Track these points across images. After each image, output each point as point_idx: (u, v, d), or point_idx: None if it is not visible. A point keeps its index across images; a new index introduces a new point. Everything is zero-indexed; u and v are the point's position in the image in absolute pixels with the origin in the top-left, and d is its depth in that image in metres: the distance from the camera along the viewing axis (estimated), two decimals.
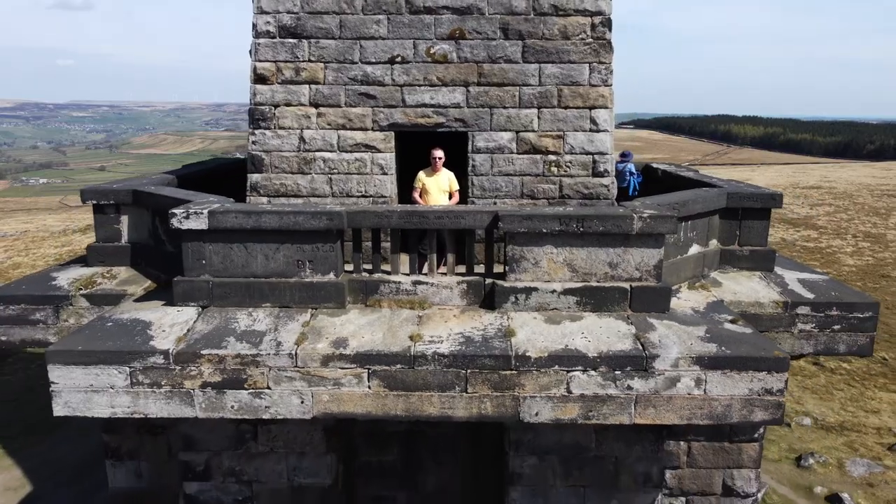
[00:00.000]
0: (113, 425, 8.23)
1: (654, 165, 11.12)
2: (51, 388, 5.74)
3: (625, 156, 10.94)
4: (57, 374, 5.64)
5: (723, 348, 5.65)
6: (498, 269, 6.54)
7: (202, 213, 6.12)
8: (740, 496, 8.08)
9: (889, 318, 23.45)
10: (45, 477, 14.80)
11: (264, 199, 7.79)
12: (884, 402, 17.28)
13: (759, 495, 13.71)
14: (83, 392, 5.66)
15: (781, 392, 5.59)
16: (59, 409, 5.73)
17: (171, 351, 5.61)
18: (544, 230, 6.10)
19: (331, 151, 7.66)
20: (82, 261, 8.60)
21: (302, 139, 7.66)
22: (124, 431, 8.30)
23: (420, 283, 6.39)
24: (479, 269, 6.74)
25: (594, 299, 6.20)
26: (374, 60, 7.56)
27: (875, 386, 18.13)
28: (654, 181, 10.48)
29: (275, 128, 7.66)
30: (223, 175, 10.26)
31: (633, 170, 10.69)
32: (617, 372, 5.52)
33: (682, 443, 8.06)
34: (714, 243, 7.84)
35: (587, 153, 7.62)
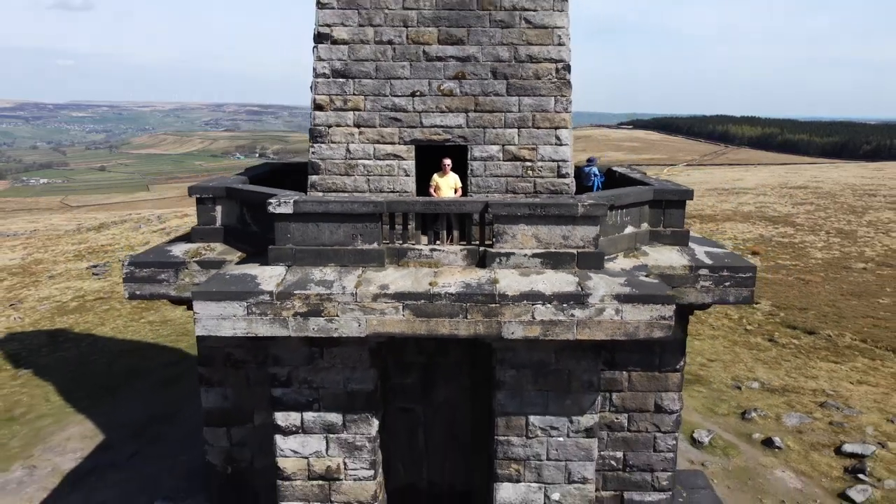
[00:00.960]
0: (207, 360, 11.31)
1: (614, 168, 14.18)
2: (194, 317, 8.78)
3: (590, 161, 13.97)
4: (199, 307, 8.69)
5: (634, 290, 8.72)
6: (488, 241, 9.60)
7: (289, 202, 9.19)
8: (667, 412, 11.12)
9: (841, 302, 26.65)
10: (111, 430, 18.12)
11: (320, 193, 10.84)
12: (823, 370, 20.47)
13: (707, 440, 17.00)
14: (215, 319, 8.71)
15: (671, 318, 8.65)
16: (199, 331, 8.78)
17: (273, 291, 8.66)
18: (519, 214, 9.17)
19: (368, 159, 10.72)
20: (184, 239, 11.64)
21: (348, 150, 10.72)
22: (215, 365, 11.38)
23: (435, 250, 9.46)
24: (475, 241, 9.80)
25: (552, 260, 9.27)
26: (399, 94, 10.63)
27: (818, 357, 21.39)
28: (613, 180, 13.54)
29: (328, 142, 10.71)
30: (280, 175, 13.32)
31: (597, 171, 13.72)
32: (564, 305, 8.58)
33: (624, 372, 11.15)
34: (645, 225, 10.92)
35: (553, 161, 10.69)
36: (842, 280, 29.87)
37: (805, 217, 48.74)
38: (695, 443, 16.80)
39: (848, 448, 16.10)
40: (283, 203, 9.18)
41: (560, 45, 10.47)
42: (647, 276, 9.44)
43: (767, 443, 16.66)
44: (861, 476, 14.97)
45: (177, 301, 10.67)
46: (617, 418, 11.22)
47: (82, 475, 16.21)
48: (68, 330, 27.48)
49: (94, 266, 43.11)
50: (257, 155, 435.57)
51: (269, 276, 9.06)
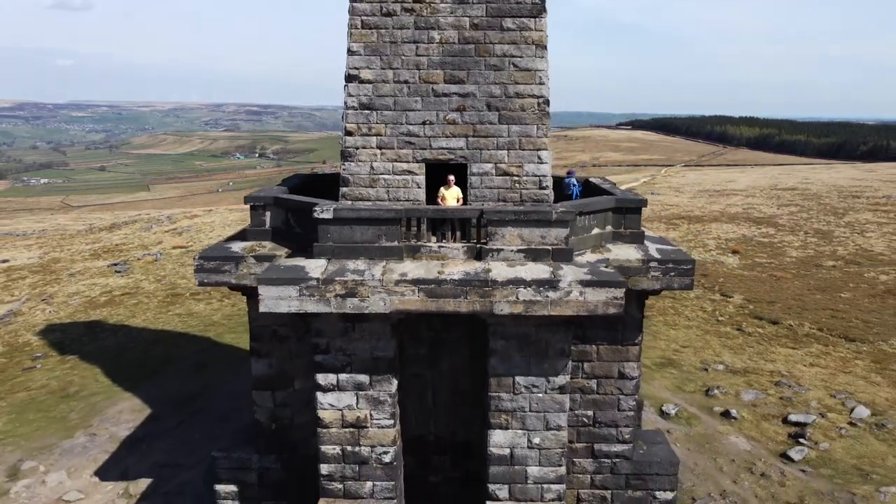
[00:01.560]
0: (257, 336, 14.08)
1: (590, 179, 16.95)
2: (259, 297, 11.51)
3: (570, 173, 16.75)
4: (262, 290, 11.44)
5: (594, 277, 11.48)
6: (483, 240, 12.36)
7: (329, 210, 11.96)
8: (628, 378, 13.88)
9: (806, 296, 29.47)
10: (156, 405, 20.97)
11: (349, 202, 13.59)
12: (781, 355, 23.35)
13: (674, 412, 19.82)
14: (275, 299, 11.46)
15: (622, 298, 11.39)
16: (262, 308, 11.53)
17: (319, 278, 11.42)
18: (507, 219, 11.94)
19: (388, 174, 13.49)
20: (240, 237, 14.38)
21: (371, 167, 13.48)
22: (263, 340, 14.15)
23: (442, 247, 12.23)
24: (474, 240, 12.56)
25: (533, 254, 12.04)
26: (413, 123, 13.39)
27: (778, 344, 24.26)
28: (588, 189, 16.32)
29: (356, 161, 13.47)
30: (309, 185, 16.08)
31: (576, 182, 16.49)
32: (541, 288, 11.33)
33: (593, 346, 13.93)
34: (609, 227, 13.70)
35: (535, 175, 13.45)
36: (811, 277, 32.68)
37: (788, 218, 51.56)
38: (663, 414, 19.61)
39: (793, 418, 18.92)
40: (325, 210, 11.95)
41: (541, 84, 13.24)
42: (606, 267, 12.21)
43: (725, 414, 19.46)
44: (801, 440, 17.77)
45: (235, 287, 13.41)
46: (588, 383, 14.00)
47: (136, 441, 19.01)
48: (103, 321, 30.25)
49: (115, 264, 45.81)
50: (257, 155, 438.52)
51: (315, 267, 11.82)
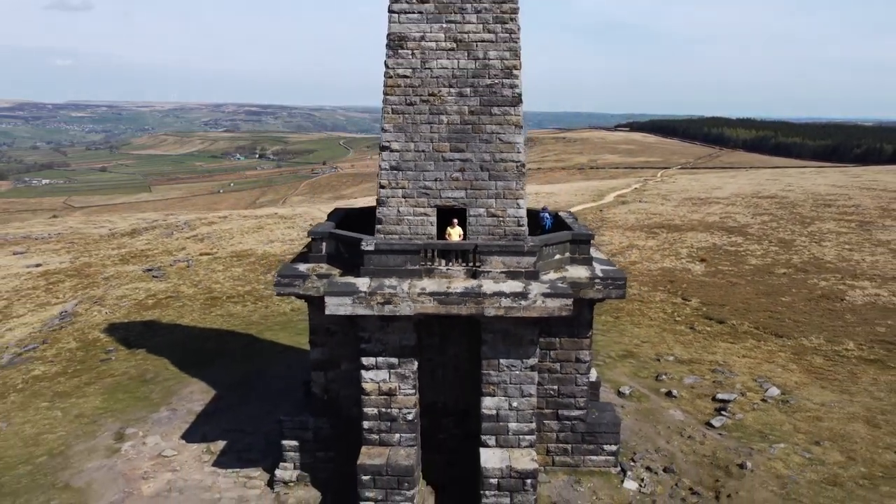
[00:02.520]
0: (315, 331, 19.69)
1: (559, 213, 22.54)
2: (325, 303, 17.07)
3: (544, 209, 22.33)
4: (328, 299, 17.02)
5: (552, 290, 17.06)
6: (477, 264, 17.93)
7: (371, 243, 17.56)
8: (583, 362, 19.48)
9: (753, 300, 35.03)
10: (218, 387, 26.61)
11: (382, 235, 19.13)
12: (721, 349, 29.00)
13: (628, 392, 25.44)
14: (335, 305, 17.03)
15: (571, 305, 16.97)
16: (327, 311, 17.10)
17: (366, 291, 17.00)
18: (493, 250, 17.54)
19: (410, 216, 19.06)
20: (302, 259, 19.91)
21: (398, 211, 19.06)
22: (319, 333, 19.76)
23: (449, 269, 17.82)
24: (471, 264, 18.12)
25: (511, 275, 17.64)
26: (428, 179, 18.97)
27: (720, 340, 29.89)
28: (557, 221, 21.91)
29: (387, 206, 19.05)
30: (349, 219, 21.66)
31: (548, 216, 22.07)
32: (516, 298, 16.92)
33: (558, 339, 19.54)
34: (567, 254, 19.31)
35: (515, 217, 19.03)
36: (761, 283, 38.29)
37: (758, 227, 57.15)
38: (620, 394, 25.18)
39: (720, 396, 24.53)
40: (368, 244, 17.54)
41: (518, 153, 18.83)
42: (562, 283, 17.80)
43: (668, 394, 25.05)
44: (723, 412, 23.39)
45: (299, 296, 18.95)
46: (553, 366, 19.59)
47: (207, 414, 24.58)
48: (157, 321, 35.84)
49: (150, 269, 51.34)
50: (257, 156, 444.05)
51: (362, 283, 17.41)
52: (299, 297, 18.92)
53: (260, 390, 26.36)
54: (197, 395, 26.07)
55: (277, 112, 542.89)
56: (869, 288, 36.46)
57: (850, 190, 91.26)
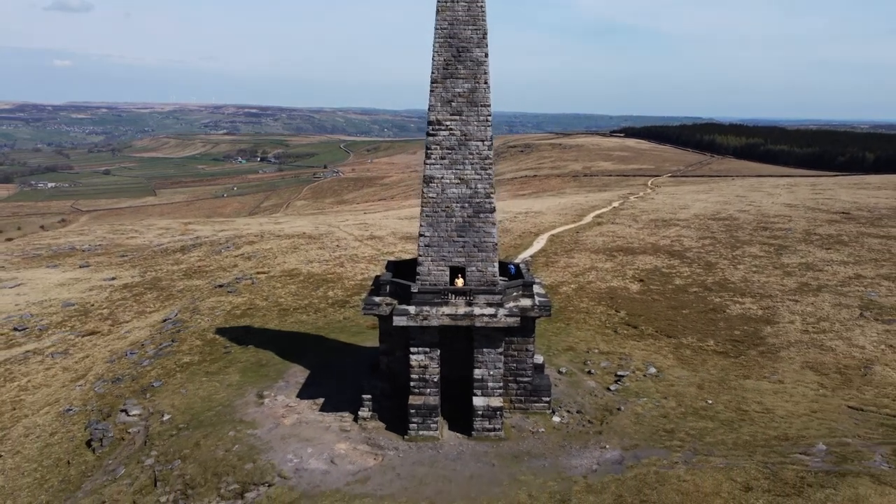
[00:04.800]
0: (383, 334, 36.90)
1: (520, 265, 39.50)
2: (393, 320, 33.96)
3: (511, 262, 39.25)
4: (395, 318, 33.99)
5: (509, 313, 34.05)
6: (472, 298, 34.89)
7: (416, 287, 34.61)
8: (530, 351, 36.60)
9: (662, 312, 52.13)
10: (311, 369, 43.87)
11: (420, 283, 36.05)
12: (629, 345, 46.28)
13: (565, 371, 43.04)
14: (399, 319, 34.00)
15: (519, 320, 33.89)
16: (395, 323, 34.05)
17: (413, 312, 33.98)
18: (479, 291, 34.57)
19: (435, 272, 36.05)
20: (375, 293, 36.77)
21: (428, 269, 36.04)
22: (385, 335, 36.91)
23: (455, 301, 34.85)
24: (469, 299, 35.07)
25: (489, 305, 34.67)
26: (445, 252, 35.97)
27: (630, 339, 47.08)
28: (517, 269, 38.87)
29: (423, 266, 36.03)
30: (397, 267, 38.66)
31: (513, 267, 38.98)
32: (492, 317, 33.91)
33: (515, 337, 36.82)
34: (521, 291, 36.37)
35: (491, 272, 36.01)
36: (674, 299, 55.22)
37: (696, 251, 73.99)
38: (560, 372, 42.14)
39: (619, 373, 41.47)
40: (414, 287, 34.52)
41: (493, 237, 35.79)
42: (516, 309, 34.73)
43: (588, 372, 41.98)
44: (618, 382, 40.37)
45: (377, 315, 35.84)
46: (513, 353, 36.60)
47: (308, 384, 41.42)
48: (250, 326, 52.66)
49: (221, 285, 68.02)
50: (259, 159, 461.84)
51: (411, 309, 34.32)
52: (377, 316, 35.83)
53: (336, 370, 43.25)
54: (298, 373, 42.98)
55: (277, 114, 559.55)
56: (747, 303, 53.49)
57: (798, 210, 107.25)
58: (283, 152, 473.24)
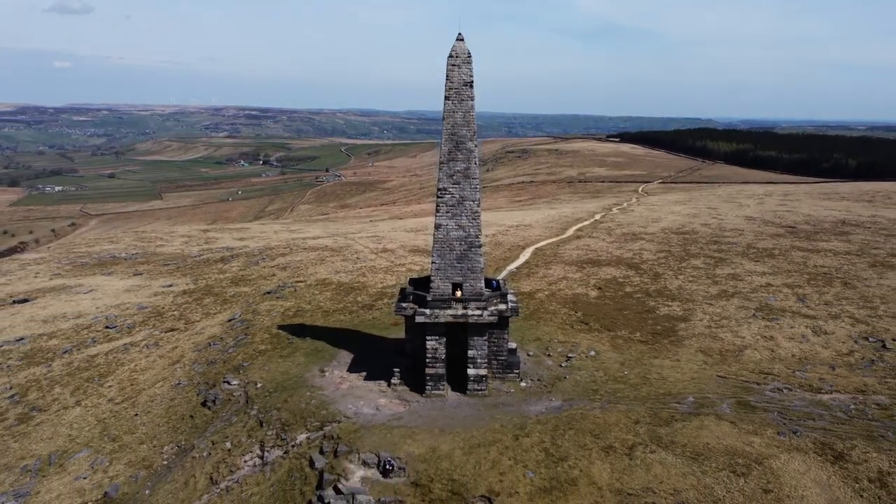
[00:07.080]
0: (408, 326, 57.29)
1: (502, 282, 59.63)
2: (415, 318, 53.96)
3: (494, 279, 59.28)
4: (417, 317, 54.08)
5: (491, 314, 54.15)
6: (468, 304, 54.97)
7: (430, 296, 54.77)
8: (506, 340, 56.84)
9: (609, 313, 72.99)
10: (356, 353, 65.01)
11: (432, 293, 56.06)
12: (580, 336, 67.34)
13: (531, 354, 63.90)
14: (419, 318, 54.07)
15: (496, 318, 53.92)
16: (416, 320, 54.12)
17: (428, 313, 54.07)
18: (471, 299, 54.71)
19: (442, 286, 56.13)
20: (402, 300, 56.72)
21: (438, 284, 56.11)
22: (409, 329, 57.25)
23: (455, 306, 55.01)
24: (466, 305, 55.12)
25: (478, 308, 54.78)
26: (449, 273, 56.06)
27: (581, 332, 68.03)
28: (498, 285, 58.95)
29: (434, 281, 56.11)
30: (419, 281, 58.84)
31: (495, 282, 58.96)
32: (480, 314, 53.99)
33: (495, 329, 57.19)
34: (499, 299, 56.52)
35: (480, 286, 56.08)
36: (619, 303, 75.07)
37: (650, 264, 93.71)
38: (528, 354, 62.28)
39: (569, 355, 61.61)
40: (429, 296, 54.60)
41: (481, 263, 55.90)
42: (495, 311, 54.76)
43: (548, 355, 62.03)
44: (568, 361, 60.52)
45: (403, 316, 55.89)
46: (494, 340, 56.75)
47: (354, 363, 61.46)
48: (303, 324, 72.51)
49: (270, 292, 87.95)
50: (261, 162, 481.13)
51: (427, 311, 54.36)
52: (404, 316, 55.83)
53: (372, 353, 63.15)
54: (345, 356, 62.89)
55: (277, 116, 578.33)
56: (674, 306, 73.51)
57: (754, 223, 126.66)
58: (284, 155, 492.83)
